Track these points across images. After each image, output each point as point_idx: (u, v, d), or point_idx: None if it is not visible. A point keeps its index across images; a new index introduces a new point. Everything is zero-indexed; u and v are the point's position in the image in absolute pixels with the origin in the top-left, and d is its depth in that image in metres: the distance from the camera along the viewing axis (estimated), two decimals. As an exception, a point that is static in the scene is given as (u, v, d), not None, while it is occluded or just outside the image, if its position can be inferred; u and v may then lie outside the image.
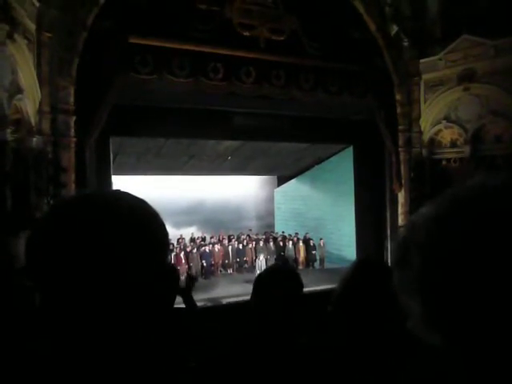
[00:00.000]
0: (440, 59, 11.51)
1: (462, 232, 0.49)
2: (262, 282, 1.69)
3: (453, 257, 0.48)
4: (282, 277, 1.70)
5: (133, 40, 9.12)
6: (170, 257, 13.00)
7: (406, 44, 11.81)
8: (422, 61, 11.80)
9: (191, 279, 3.14)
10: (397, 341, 1.31)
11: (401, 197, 12.34)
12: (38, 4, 7.67)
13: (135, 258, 0.65)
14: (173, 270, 0.72)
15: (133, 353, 0.65)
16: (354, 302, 1.41)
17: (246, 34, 10.41)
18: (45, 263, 0.63)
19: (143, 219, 0.70)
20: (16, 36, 6.88)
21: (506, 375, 0.47)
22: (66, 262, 0.62)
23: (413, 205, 11.86)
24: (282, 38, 10.77)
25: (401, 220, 12.30)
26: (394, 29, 11.72)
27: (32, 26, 7.62)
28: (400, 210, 12.35)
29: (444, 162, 11.87)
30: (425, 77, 11.90)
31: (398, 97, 12.11)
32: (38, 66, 7.87)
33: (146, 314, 0.67)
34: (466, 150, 11.36)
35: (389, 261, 12.09)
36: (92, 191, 0.75)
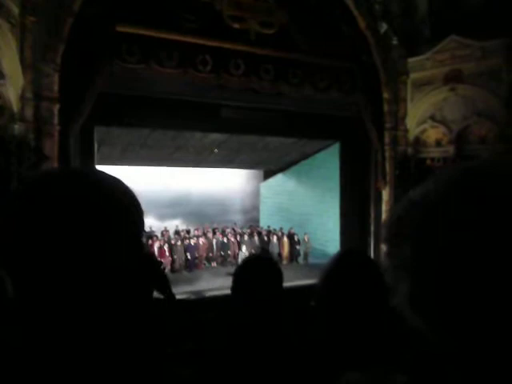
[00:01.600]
0: (427, 59, 11.62)
1: (463, 212, 0.48)
2: (242, 271, 1.68)
3: (451, 238, 0.47)
4: (261, 265, 1.69)
5: (120, 28, 8.98)
6: (149, 245, 12.93)
7: (394, 42, 11.89)
8: (410, 60, 11.90)
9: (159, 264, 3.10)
10: (381, 330, 1.31)
11: (385, 194, 12.47)
12: (22, -13, 7.49)
13: (111, 235, 0.63)
14: (148, 254, 0.70)
15: (110, 337, 0.63)
16: (337, 293, 1.40)
17: (236, 26, 10.34)
18: (14, 243, 0.60)
19: (118, 194, 0.67)
20: (-1, 19, 6.72)
21: (486, 359, 0.47)
22: (37, 239, 0.59)
23: (397, 202, 11.96)
24: (271, 32, 10.73)
25: (384, 217, 12.44)
26: (384, 27, 11.79)
27: (15, 10, 7.44)
28: (384, 207, 12.48)
29: (428, 161, 12.02)
30: (412, 76, 12.01)
31: (385, 95, 12.20)
32: (21, 51, 7.69)
33: (124, 297, 0.64)
34: (451, 149, 11.51)
35: (371, 256, 12.23)
36: (62, 168, 0.73)
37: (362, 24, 11.62)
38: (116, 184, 0.69)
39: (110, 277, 0.62)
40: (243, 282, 1.64)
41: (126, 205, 0.67)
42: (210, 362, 1.49)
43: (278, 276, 1.69)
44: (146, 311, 0.68)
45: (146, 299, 0.69)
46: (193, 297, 9.86)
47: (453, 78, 11.29)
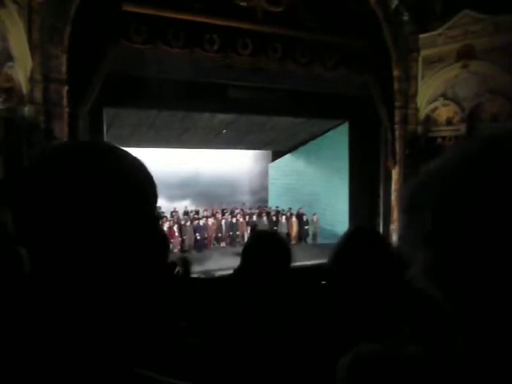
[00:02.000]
0: (439, 35, 11.35)
1: (486, 179, 0.47)
2: (250, 247, 1.70)
3: (473, 205, 0.47)
4: (268, 241, 1.71)
5: (127, 8, 8.89)
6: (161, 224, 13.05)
7: (405, 18, 11.61)
8: (421, 36, 11.64)
9: (187, 262, 3.14)
10: (391, 306, 1.33)
11: (395, 173, 12.38)
12: (28, -32, 7.42)
13: (123, 208, 0.62)
14: (162, 234, 0.70)
15: (123, 309, 0.64)
16: (347, 269, 1.42)
17: (243, 4, 10.17)
18: (30, 211, 0.61)
19: (131, 167, 0.67)
20: (6, 1, 6.68)
21: (500, 329, 0.47)
22: (49, 211, 0.59)
23: (406, 182, 11.89)
24: (279, 10, 10.54)
25: (394, 197, 12.38)
26: (394, 2, 11.49)
27: (22, -9, 7.39)
28: (394, 186, 12.41)
29: (439, 140, 11.87)
30: (423, 53, 11.75)
31: (395, 72, 11.98)
32: (29, 33, 7.67)
33: (137, 269, 0.64)
34: (462, 128, 11.34)
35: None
36: (71, 141, 0.72)
37: (371, 0, 11.35)
38: (128, 157, 0.68)
39: (119, 251, 0.62)
40: (252, 256, 1.67)
41: (137, 177, 0.67)
42: (216, 335, 1.53)
43: (286, 252, 1.71)
44: (156, 287, 0.68)
45: (158, 275, 0.69)
46: (202, 276, 9.98)
47: (465, 55, 11.04)
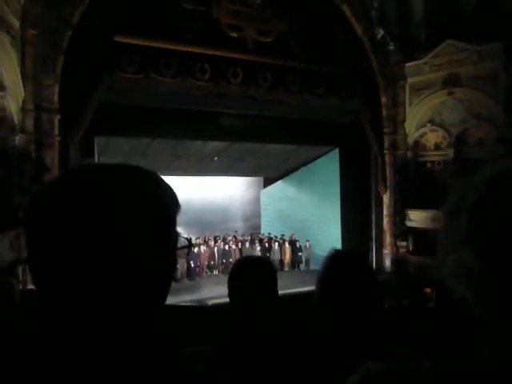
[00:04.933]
0: (425, 63, 11.68)
1: None
2: (235, 270, 1.70)
3: (502, 216, 0.51)
4: (253, 264, 1.70)
5: (119, 39, 9.05)
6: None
7: (391, 48, 11.96)
8: (407, 65, 11.97)
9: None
10: (377, 327, 1.33)
11: (386, 199, 12.47)
12: (22, 1, 7.56)
13: (145, 234, 0.62)
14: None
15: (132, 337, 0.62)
16: (331, 294, 1.42)
17: (234, 34, 10.41)
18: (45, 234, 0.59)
19: (154, 191, 0.66)
20: (-1, 33, 6.78)
21: None
22: (67, 230, 0.57)
23: (398, 207, 12.01)
24: (269, 40, 10.80)
25: (386, 222, 12.43)
26: (380, 32, 11.86)
27: (16, 23, 7.51)
28: (385, 211, 12.47)
29: (428, 165, 12.04)
30: (410, 80, 12.06)
31: (383, 100, 12.24)
32: (22, 63, 7.75)
33: (153, 294, 0.64)
34: (450, 152, 11.54)
35: (373, 263, 12.20)
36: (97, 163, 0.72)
37: (358, 30, 11.69)
38: (155, 178, 0.69)
39: (140, 271, 0.61)
40: (236, 282, 1.66)
41: (163, 199, 0.67)
42: (217, 360, 1.50)
43: (271, 275, 1.70)
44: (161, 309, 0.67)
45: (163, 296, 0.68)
46: (196, 304, 9.82)
47: (450, 82, 11.35)
